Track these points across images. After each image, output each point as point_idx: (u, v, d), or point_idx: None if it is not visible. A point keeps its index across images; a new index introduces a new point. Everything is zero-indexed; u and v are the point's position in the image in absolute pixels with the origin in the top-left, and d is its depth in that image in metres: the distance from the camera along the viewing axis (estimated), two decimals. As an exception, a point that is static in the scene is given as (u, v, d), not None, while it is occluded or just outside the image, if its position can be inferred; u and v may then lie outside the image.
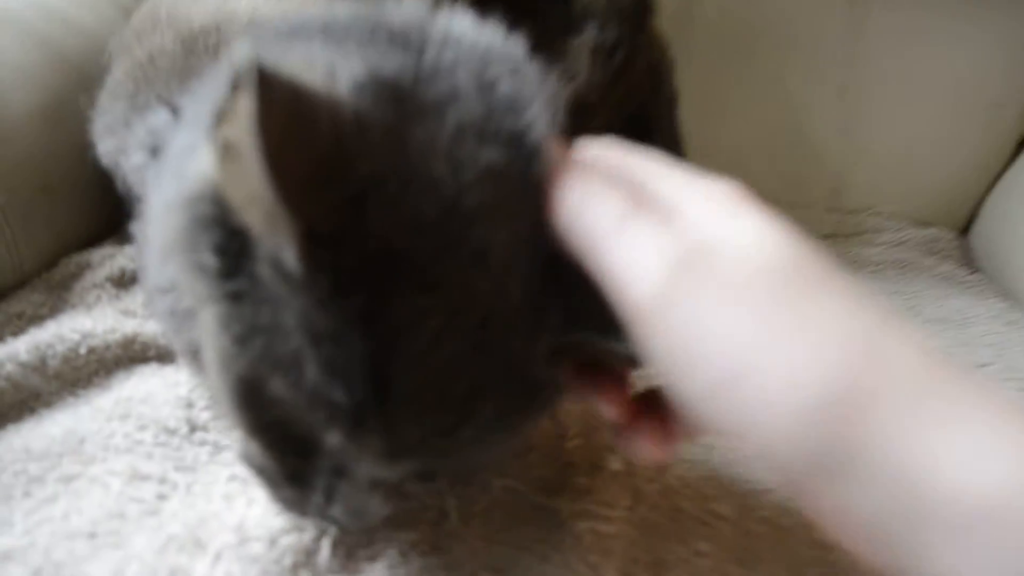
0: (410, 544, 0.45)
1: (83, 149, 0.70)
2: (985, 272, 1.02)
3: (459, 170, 0.31)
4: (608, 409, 0.37)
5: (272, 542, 0.42)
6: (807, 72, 1.09)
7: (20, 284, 0.66)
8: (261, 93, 0.25)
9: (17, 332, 0.58)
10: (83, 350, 0.56)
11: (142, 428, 0.51)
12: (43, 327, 0.58)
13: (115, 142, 0.65)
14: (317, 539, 0.43)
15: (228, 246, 0.32)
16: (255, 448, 0.38)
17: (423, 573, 0.44)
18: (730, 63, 1.10)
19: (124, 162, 0.63)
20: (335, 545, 0.43)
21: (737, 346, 0.28)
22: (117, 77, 0.68)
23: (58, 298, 0.65)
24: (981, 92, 1.07)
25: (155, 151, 0.55)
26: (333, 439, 0.33)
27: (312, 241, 0.28)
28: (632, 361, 0.34)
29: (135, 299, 0.65)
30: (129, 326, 0.60)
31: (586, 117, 0.79)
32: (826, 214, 1.07)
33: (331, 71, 0.31)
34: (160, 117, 0.58)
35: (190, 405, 0.53)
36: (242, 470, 0.47)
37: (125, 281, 0.68)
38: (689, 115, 0.96)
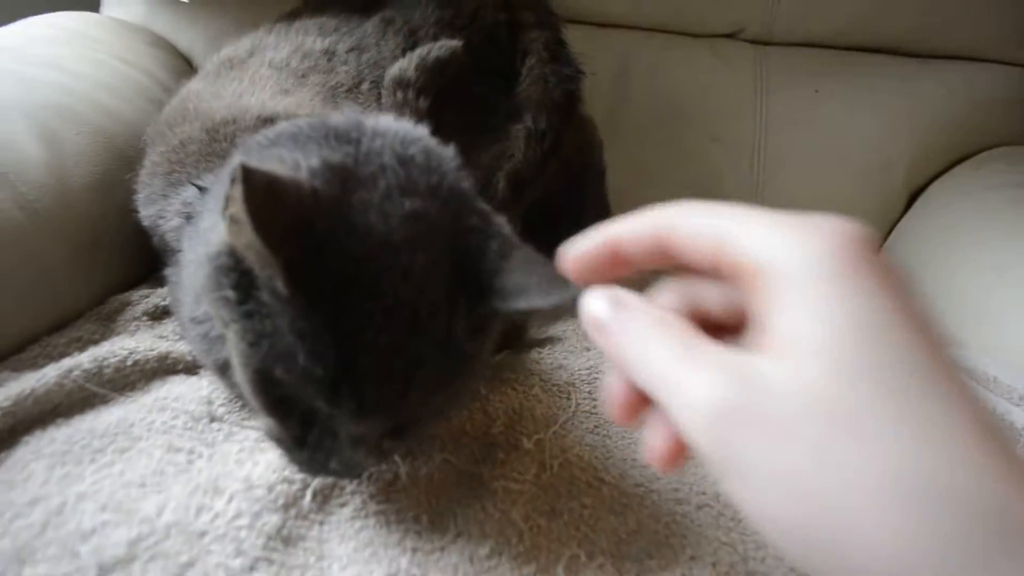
0: (369, 496, 0.62)
1: (126, 214, 0.86)
2: (880, 310, 1.19)
3: (388, 218, 0.49)
4: (653, 438, 0.37)
5: (270, 488, 0.59)
6: (721, 145, 1.27)
7: (77, 316, 0.84)
8: (246, 183, 0.42)
9: (78, 350, 0.76)
10: (129, 362, 0.74)
11: (175, 417, 0.68)
12: (99, 346, 0.76)
13: (155, 210, 0.80)
14: (302, 489, 0.60)
15: (240, 283, 0.50)
16: (272, 423, 0.55)
17: (378, 515, 0.60)
18: (656, 136, 1.27)
19: (163, 224, 0.78)
20: (314, 493, 0.60)
21: (795, 496, 0.28)
22: (154, 159, 0.82)
23: (106, 327, 0.83)
24: (872, 155, 1.26)
25: (188, 217, 0.72)
26: (321, 406, 0.51)
27: (291, 273, 0.46)
28: (553, 314, 0.51)
29: (166, 327, 0.83)
30: (163, 346, 0.77)
31: (522, 190, 0.97)
32: (741, 261, 1.24)
33: (296, 164, 0.49)
34: (191, 192, 0.73)
35: (210, 402, 0.70)
36: (248, 444, 0.65)
37: (158, 314, 0.86)
38: (622, 180, 1.15)
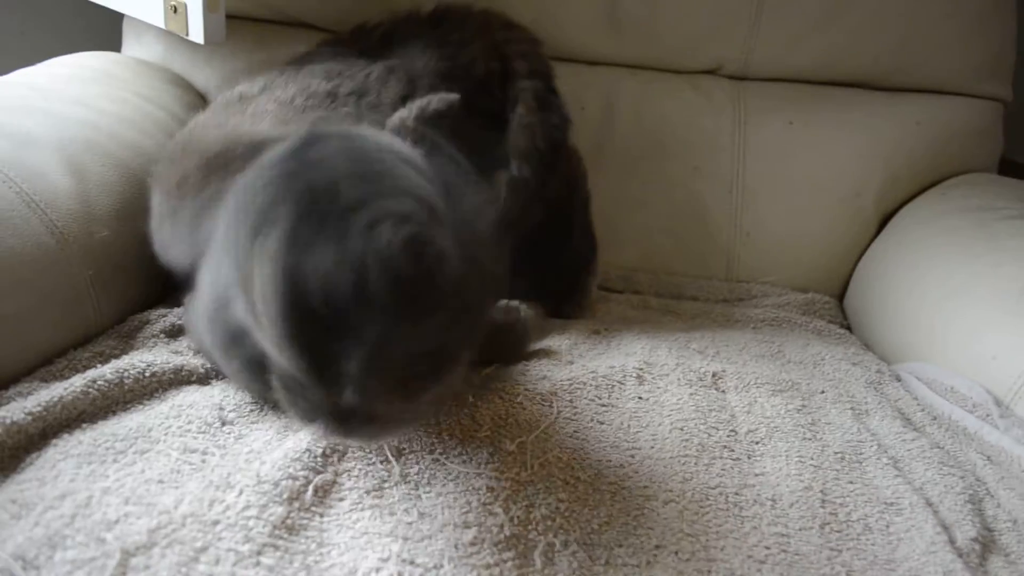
0: (365, 491, 0.68)
1: (145, 240, 0.94)
2: (854, 328, 1.26)
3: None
4: None
5: (276, 484, 0.66)
6: (702, 175, 1.35)
7: (100, 333, 0.92)
8: None
9: (101, 363, 0.83)
10: (148, 374, 0.81)
11: (190, 422, 0.75)
12: (120, 359, 0.83)
13: (161, 241, 0.89)
14: (305, 484, 0.67)
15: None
16: (289, 365, 0.55)
17: (372, 508, 0.66)
18: (641, 167, 1.34)
19: (167, 254, 0.87)
20: (315, 489, 0.67)
21: None
22: (158, 198, 0.90)
23: (127, 343, 0.90)
24: (843, 185, 1.33)
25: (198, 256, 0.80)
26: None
27: None
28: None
29: (181, 344, 0.91)
30: (178, 360, 0.84)
31: (504, 234, 1.03)
32: (722, 283, 1.31)
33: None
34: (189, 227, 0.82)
35: (222, 408, 0.77)
36: (258, 445, 0.72)
37: (174, 332, 0.93)
38: (609, 208, 1.22)
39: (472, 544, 0.63)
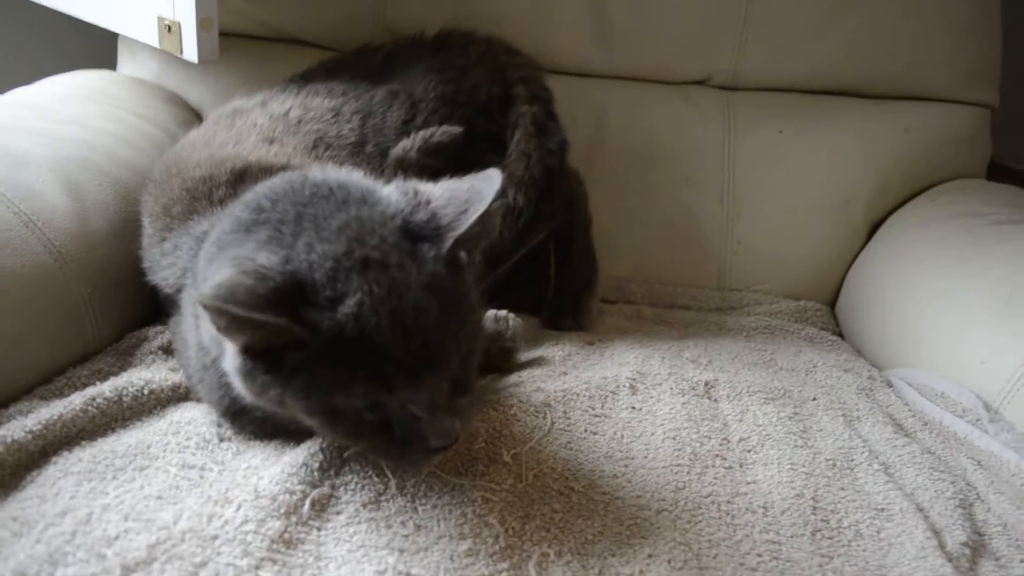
0: (362, 504, 0.69)
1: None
2: (845, 335, 1.27)
3: (337, 239, 0.63)
4: None
5: (273, 498, 0.66)
6: (693, 184, 1.36)
7: (99, 350, 0.92)
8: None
9: (99, 381, 0.84)
10: (146, 391, 0.82)
11: (188, 439, 0.76)
12: (119, 377, 0.84)
13: (149, 263, 0.90)
14: (302, 499, 0.67)
15: (264, 366, 0.64)
16: (359, 444, 0.69)
17: (369, 522, 0.67)
18: (632, 177, 1.36)
19: (153, 276, 0.88)
20: (312, 503, 0.68)
21: None
22: (147, 220, 0.91)
23: (125, 361, 0.91)
24: (833, 193, 1.35)
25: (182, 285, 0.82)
26: (401, 392, 0.63)
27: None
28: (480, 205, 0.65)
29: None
30: (176, 377, 0.85)
31: (496, 265, 1.05)
32: (714, 292, 1.32)
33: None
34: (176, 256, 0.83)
35: (220, 424, 0.78)
36: (256, 461, 0.73)
37: (171, 349, 0.94)
38: (600, 218, 1.23)
39: (467, 555, 0.64)
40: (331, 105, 1.05)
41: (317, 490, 0.69)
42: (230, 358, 0.66)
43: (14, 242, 0.85)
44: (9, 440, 0.70)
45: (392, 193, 0.69)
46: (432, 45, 1.19)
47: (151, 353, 0.93)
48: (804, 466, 0.81)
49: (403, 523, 0.67)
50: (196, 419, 0.79)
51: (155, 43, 1.18)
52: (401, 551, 0.64)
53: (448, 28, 1.22)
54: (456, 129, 1.02)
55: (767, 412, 0.91)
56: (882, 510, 0.76)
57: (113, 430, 0.78)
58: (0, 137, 0.97)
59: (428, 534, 0.66)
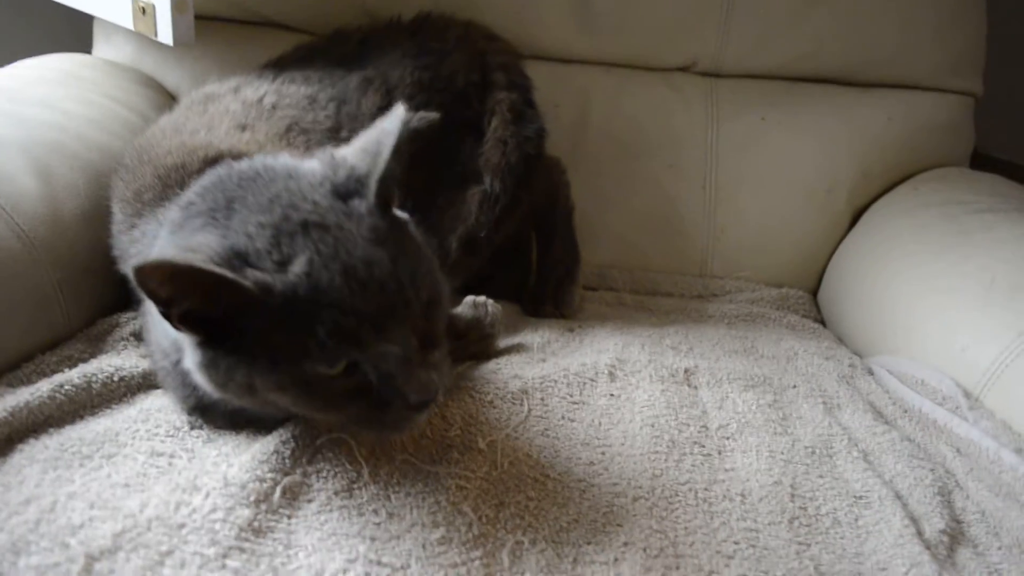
0: (334, 492, 0.68)
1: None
2: (827, 322, 1.27)
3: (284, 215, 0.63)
4: None
5: (243, 486, 0.65)
6: (676, 172, 1.35)
7: (69, 336, 0.90)
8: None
9: (69, 367, 0.82)
10: (116, 378, 0.81)
11: (157, 426, 0.75)
12: (88, 363, 0.83)
13: (117, 251, 0.88)
14: (272, 486, 0.66)
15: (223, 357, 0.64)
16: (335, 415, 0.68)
17: (341, 510, 0.66)
18: (615, 164, 1.35)
19: (124, 265, 0.86)
20: (284, 490, 0.67)
21: None
22: (115, 209, 0.88)
23: (95, 347, 0.89)
24: (815, 180, 1.34)
25: None
26: (371, 346, 0.62)
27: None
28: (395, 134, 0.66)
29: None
30: (146, 364, 0.84)
31: (475, 250, 1.04)
32: (697, 279, 1.31)
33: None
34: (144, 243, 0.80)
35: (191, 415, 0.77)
36: (226, 449, 0.72)
37: (143, 336, 0.93)
38: (583, 206, 1.22)
39: (440, 543, 0.63)
40: (306, 92, 1.03)
41: (288, 478, 0.67)
42: (190, 355, 0.65)
43: (-20, 227, 0.83)
44: (-27, 428, 0.68)
45: (313, 164, 0.69)
46: (409, 29, 1.17)
47: (122, 340, 0.91)
48: (783, 453, 0.81)
49: (375, 511, 0.66)
50: (166, 406, 0.78)
51: (129, 25, 1.16)
52: (372, 539, 0.63)
53: (425, 12, 1.20)
54: (432, 115, 1.01)
55: (747, 399, 0.90)
56: (860, 498, 0.75)
57: (81, 417, 0.76)
58: (-33, 120, 0.95)
59: (400, 522, 0.65)
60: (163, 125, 0.97)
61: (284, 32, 1.35)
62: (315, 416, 0.70)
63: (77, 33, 1.45)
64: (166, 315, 0.62)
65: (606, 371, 0.91)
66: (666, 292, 1.29)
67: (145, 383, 0.82)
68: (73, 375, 0.78)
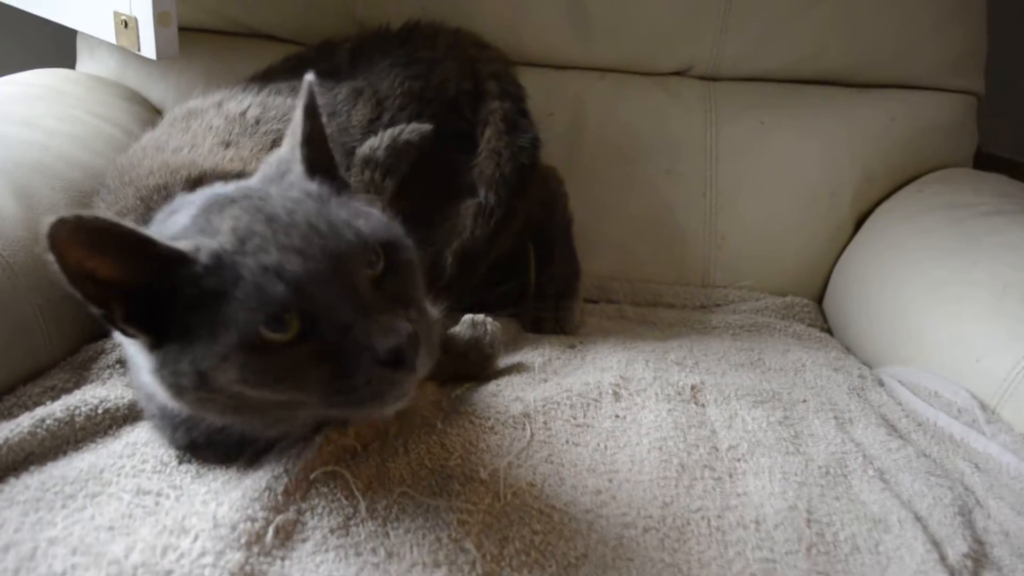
0: (330, 530, 0.64)
1: None
2: (834, 331, 1.24)
3: None
4: None
5: (233, 527, 0.62)
6: (675, 178, 1.32)
7: (52, 365, 0.87)
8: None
9: (51, 399, 0.79)
10: (100, 410, 0.77)
11: (144, 461, 0.72)
12: (71, 395, 0.79)
13: None
14: (265, 526, 0.63)
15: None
16: (302, 390, 0.60)
17: (338, 550, 0.63)
18: (612, 171, 1.31)
19: None
20: (277, 530, 0.63)
21: None
22: None
23: (80, 376, 0.86)
24: (818, 184, 1.31)
25: None
26: (329, 306, 0.59)
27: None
28: None
29: (138, 375, 0.87)
30: (132, 394, 0.81)
31: (471, 265, 1.01)
32: (699, 289, 1.28)
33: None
34: None
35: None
36: (216, 485, 0.68)
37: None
38: (580, 215, 1.19)
39: (443, 584, 0.60)
40: (294, 104, 1.00)
41: (281, 516, 0.64)
42: (144, 366, 0.62)
43: (-43, 253, 0.80)
44: (-50, 469, 0.65)
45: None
46: (397, 38, 1.14)
47: (108, 368, 0.88)
48: (797, 475, 0.78)
49: (373, 550, 0.63)
50: (153, 440, 0.74)
51: (112, 39, 1.12)
52: (371, 581, 0.60)
53: (414, 20, 1.17)
54: (425, 127, 0.98)
55: (756, 417, 0.87)
56: (879, 521, 0.72)
57: (64, 453, 0.73)
58: (-56, 141, 0.92)
59: (400, 562, 0.62)
60: (145, 143, 0.94)
61: (272, 43, 1.32)
62: (278, 398, 0.60)
63: (60, 48, 1.42)
64: (109, 319, 0.60)
65: (610, 391, 0.88)
66: (668, 303, 1.26)
67: (131, 414, 0.79)
68: (56, 408, 0.75)
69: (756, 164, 1.32)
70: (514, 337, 1.05)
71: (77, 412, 0.76)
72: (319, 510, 0.66)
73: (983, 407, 0.89)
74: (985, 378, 0.91)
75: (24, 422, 0.73)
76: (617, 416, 0.85)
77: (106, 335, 0.94)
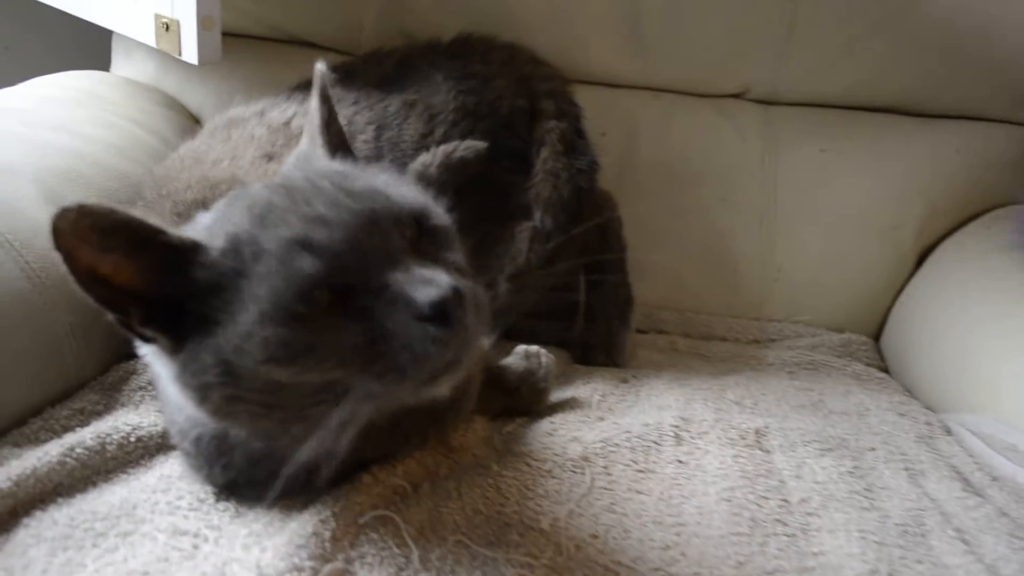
0: (380, 582, 0.60)
1: None
2: (892, 371, 1.18)
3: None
4: None
5: (278, 577, 0.57)
6: (730, 205, 1.27)
7: (81, 386, 0.83)
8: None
9: (80, 424, 0.75)
10: (133, 439, 0.73)
11: (180, 497, 0.67)
12: (102, 420, 0.75)
13: None
14: (311, 576, 0.58)
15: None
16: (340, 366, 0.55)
17: (390, 605, 0.58)
18: (663, 195, 1.27)
19: None
20: (325, 581, 0.58)
21: None
22: None
23: (110, 398, 0.82)
24: (879, 217, 1.25)
25: None
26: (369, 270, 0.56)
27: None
28: None
29: (171, 398, 0.82)
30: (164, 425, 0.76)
31: (524, 292, 0.96)
32: (752, 323, 1.23)
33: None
34: None
35: (217, 481, 0.69)
36: (257, 527, 0.63)
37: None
38: (630, 239, 1.14)
39: (505, 651, 0.55)
40: (342, 114, 0.96)
41: (330, 565, 0.59)
42: (165, 373, 0.59)
43: (-12, 265, 0.75)
44: (-27, 500, 0.60)
45: None
46: (448, 51, 1.10)
47: (139, 389, 0.83)
48: (874, 533, 0.72)
49: (428, 605, 0.58)
50: (188, 473, 0.69)
51: (151, 43, 1.09)
52: (427, 642, 0.55)
53: (465, 33, 1.13)
54: (481, 144, 0.94)
55: (825, 466, 0.82)
56: (967, 589, 0.67)
57: (95, 484, 0.68)
58: (-23, 144, 0.88)
59: (458, 622, 0.57)
60: (183, 154, 0.90)
61: (316, 51, 1.28)
62: (313, 379, 0.54)
63: (89, 49, 1.38)
64: (125, 323, 0.56)
65: (671, 432, 0.83)
66: (721, 336, 1.20)
67: (164, 444, 0.74)
68: (86, 435, 0.71)
69: (815, 193, 1.26)
70: (564, 369, 1.00)
71: (108, 440, 0.71)
72: (368, 559, 0.61)
73: (1068, 464, 0.83)
74: (1068, 433, 0.86)
75: (52, 450, 0.68)
76: (680, 461, 0.79)
77: (136, 355, 0.90)
